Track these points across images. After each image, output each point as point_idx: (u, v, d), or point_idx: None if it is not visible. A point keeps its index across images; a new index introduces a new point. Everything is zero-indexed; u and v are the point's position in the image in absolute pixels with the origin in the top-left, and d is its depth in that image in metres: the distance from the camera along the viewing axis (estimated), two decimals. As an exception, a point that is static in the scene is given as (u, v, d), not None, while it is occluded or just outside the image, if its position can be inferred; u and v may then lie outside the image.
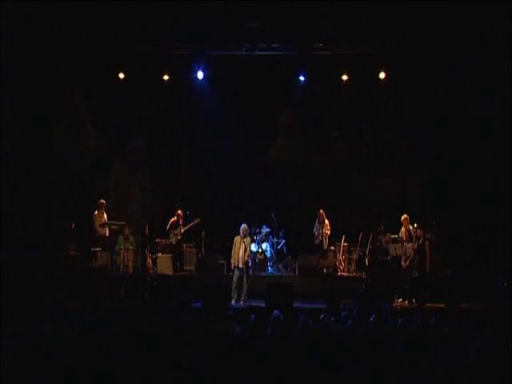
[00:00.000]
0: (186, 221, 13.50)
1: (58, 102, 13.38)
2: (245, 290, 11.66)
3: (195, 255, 13.68)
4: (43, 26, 12.38)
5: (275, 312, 6.62)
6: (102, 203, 12.83)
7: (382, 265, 12.23)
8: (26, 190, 12.61)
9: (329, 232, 13.42)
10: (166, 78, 14.34)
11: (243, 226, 11.94)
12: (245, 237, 11.88)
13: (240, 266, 11.75)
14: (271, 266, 13.64)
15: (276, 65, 14.17)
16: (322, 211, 13.53)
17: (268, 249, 13.80)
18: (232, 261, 11.85)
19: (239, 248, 11.76)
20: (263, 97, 14.59)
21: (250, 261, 12.17)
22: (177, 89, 14.54)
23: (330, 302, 10.17)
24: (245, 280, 11.69)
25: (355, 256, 13.20)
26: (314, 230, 13.53)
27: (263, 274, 13.33)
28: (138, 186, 14.51)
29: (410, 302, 11.58)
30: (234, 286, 11.69)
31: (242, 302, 11.56)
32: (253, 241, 13.45)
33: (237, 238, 11.88)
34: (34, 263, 11.85)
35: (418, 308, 11.19)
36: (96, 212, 12.78)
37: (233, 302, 11.49)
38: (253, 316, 6.84)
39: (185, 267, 13.45)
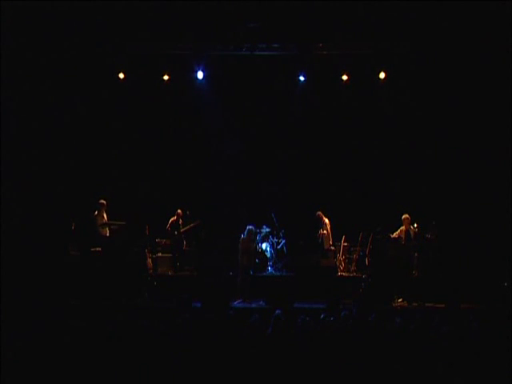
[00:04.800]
0: (186, 221, 13.50)
1: (58, 102, 13.37)
2: (245, 290, 11.69)
3: (195, 255, 13.67)
4: (43, 25, 12.38)
5: (277, 311, 6.64)
6: (103, 203, 12.81)
7: (382, 265, 12.23)
8: (26, 189, 12.61)
9: (325, 232, 13.40)
10: (166, 77, 14.34)
11: (250, 227, 12.05)
12: (250, 239, 11.97)
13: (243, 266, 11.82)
14: (271, 266, 13.64)
15: (276, 65, 14.17)
16: (319, 212, 13.54)
17: (268, 249, 13.80)
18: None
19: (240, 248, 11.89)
20: (263, 97, 14.59)
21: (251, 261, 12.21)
22: (177, 89, 14.53)
23: (330, 302, 10.18)
24: (245, 280, 11.72)
25: (355, 256, 13.19)
26: (319, 231, 13.54)
27: (263, 274, 13.34)
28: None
29: (410, 302, 11.58)
30: (237, 286, 11.76)
31: (242, 302, 11.58)
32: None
33: (242, 239, 11.98)
34: (34, 263, 11.88)
35: (418, 308, 11.20)
36: (96, 212, 12.76)
37: (235, 301, 11.53)
38: (253, 316, 6.84)
39: (185, 267, 13.45)
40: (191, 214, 13.51)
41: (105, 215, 12.84)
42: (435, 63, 13.38)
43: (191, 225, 13.43)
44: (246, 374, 5.56)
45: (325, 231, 13.42)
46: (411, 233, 12.09)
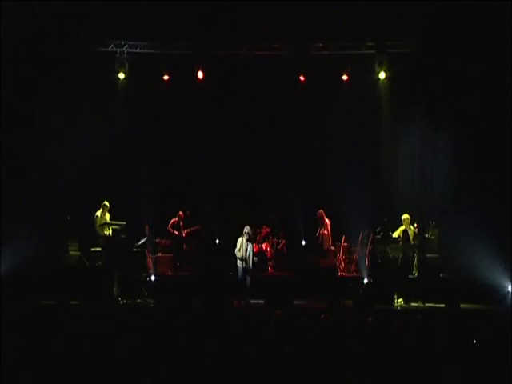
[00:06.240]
0: (187, 223, 13.50)
1: (58, 102, 13.39)
2: (247, 290, 11.72)
3: (195, 255, 13.67)
4: (43, 25, 12.38)
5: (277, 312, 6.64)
6: (106, 205, 12.77)
7: (382, 265, 12.23)
8: (26, 189, 12.61)
9: (326, 232, 13.41)
10: (165, 77, 14.33)
11: (247, 228, 12.01)
12: (249, 238, 11.95)
13: (244, 266, 11.83)
14: (271, 266, 13.64)
15: (276, 65, 14.17)
16: (321, 211, 13.54)
17: (268, 249, 13.80)
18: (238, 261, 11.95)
19: (242, 249, 11.85)
20: (263, 97, 14.58)
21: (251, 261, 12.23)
22: (177, 89, 14.52)
23: (330, 302, 10.18)
24: (247, 280, 11.76)
25: (355, 256, 13.20)
26: (318, 231, 13.52)
27: (263, 274, 13.34)
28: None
29: (410, 302, 11.58)
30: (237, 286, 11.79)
31: (242, 302, 11.59)
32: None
33: (240, 239, 11.95)
34: (34, 263, 11.88)
35: (418, 308, 11.21)
36: (98, 213, 12.74)
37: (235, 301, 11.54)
38: (254, 316, 6.85)
39: (185, 267, 13.45)
40: (192, 216, 13.50)
41: (107, 216, 12.83)
42: (435, 63, 13.37)
43: (191, 228, 13.45)
44: (246, 374, 5.56)
45: (325, 231, 13.43)
46: (411, 233, 12.10)
